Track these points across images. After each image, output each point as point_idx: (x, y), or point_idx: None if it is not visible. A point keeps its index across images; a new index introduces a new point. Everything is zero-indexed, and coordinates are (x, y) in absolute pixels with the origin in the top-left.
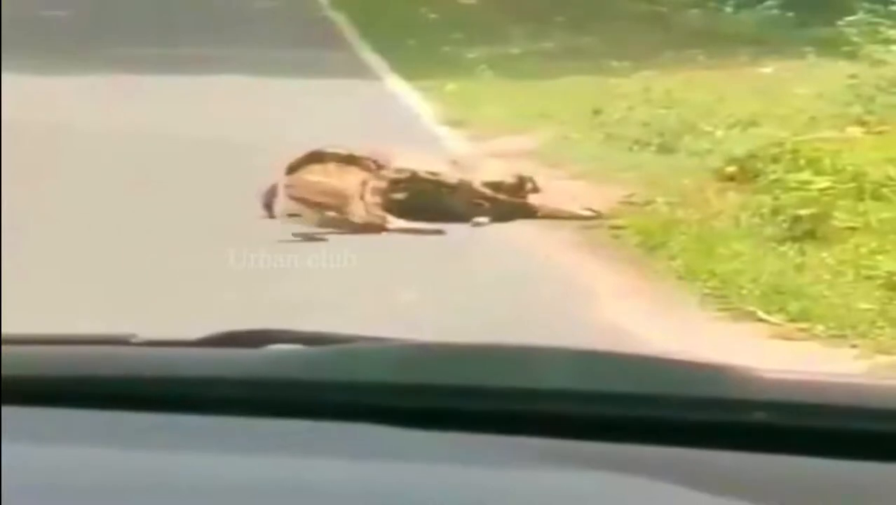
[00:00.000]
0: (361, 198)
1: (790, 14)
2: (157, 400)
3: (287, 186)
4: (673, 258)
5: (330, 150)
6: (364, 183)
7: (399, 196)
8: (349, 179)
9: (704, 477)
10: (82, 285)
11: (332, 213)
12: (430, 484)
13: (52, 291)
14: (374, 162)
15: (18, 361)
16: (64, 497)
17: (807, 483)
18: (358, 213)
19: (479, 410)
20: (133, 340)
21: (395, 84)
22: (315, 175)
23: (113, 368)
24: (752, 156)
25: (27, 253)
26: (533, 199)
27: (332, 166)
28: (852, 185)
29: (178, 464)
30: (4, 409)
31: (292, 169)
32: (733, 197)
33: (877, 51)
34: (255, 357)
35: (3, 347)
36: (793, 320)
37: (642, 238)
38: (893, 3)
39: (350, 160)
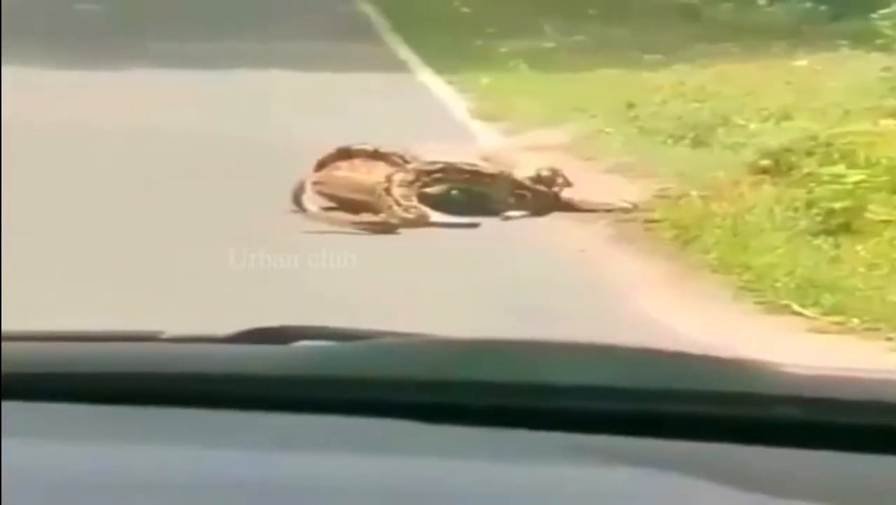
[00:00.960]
0: (388, 192)
1: (823, 7)
2: (185, 397)
3: (315, 183)
4: (707, 252)
5: (357, 146)
6: (389, 177)
7: (433, 190)
8: (376, 175)
9: (732, 473)
10: (83, 284)
11: (363, 213)
12: (459, 480)
13: (53, 290)
14: (402, 157)
15: (42, 358)
16: (84, 495)
17: (836, 479)
18: (389, 208)
19: (507, 406)
20: (162, 337)
21: (428, 78)
22: (343, 171)
23: (141, 365)
24: (786, 149)
25: (27, 251)
26: (567, 192)
27: (358, 162)
28: (886, 178)
29: (208, 460)
30: (28, 405)
31: (321, 165)
32: (767, 190)
33: None
34: (283, 353)
35: (9, 344)
36: (827, 314)
37: (676, 232)
38: None
39: (377, 156)
